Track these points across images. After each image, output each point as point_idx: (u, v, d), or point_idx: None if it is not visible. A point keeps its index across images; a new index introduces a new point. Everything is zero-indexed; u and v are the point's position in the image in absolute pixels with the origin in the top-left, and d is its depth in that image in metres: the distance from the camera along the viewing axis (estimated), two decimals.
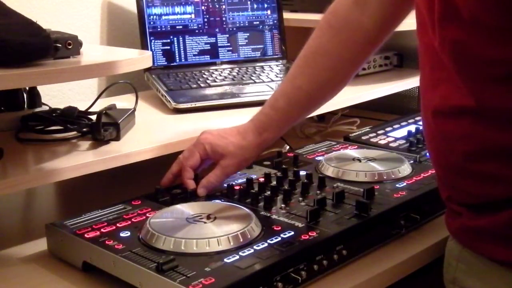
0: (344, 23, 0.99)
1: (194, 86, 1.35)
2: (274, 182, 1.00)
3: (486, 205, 0.78)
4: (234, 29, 1.48)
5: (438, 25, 0.76)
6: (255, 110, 1.05)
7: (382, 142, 1.29)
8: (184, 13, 1.44)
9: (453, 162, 0.80)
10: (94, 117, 1.10)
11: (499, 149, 0.74)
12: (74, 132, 1.08)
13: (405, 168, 1.06)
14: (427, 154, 1.18)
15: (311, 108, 1.06)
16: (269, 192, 0.96)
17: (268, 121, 1.01)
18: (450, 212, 0.86)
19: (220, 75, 1.41)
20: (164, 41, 1.42)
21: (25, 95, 1.18)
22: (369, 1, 0.97)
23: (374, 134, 1.33)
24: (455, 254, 0.85)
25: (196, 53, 1.45)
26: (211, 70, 1.43)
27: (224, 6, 1.48)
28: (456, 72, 0.76)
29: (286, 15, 1.56)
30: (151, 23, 1.41)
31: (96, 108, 1.12)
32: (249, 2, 1.51)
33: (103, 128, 1.04)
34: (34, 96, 1.19)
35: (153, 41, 1.41)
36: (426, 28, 0.80)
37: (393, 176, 1.04)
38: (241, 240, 0.80)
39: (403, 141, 1.28)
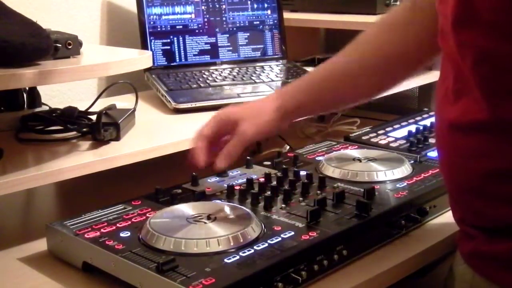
0: (394, 20, 0.99)
1: (194, 86, 1.35)
2: (274, 182, 1.00)
3: (504, 229, 0.73)
4: (234, 29, 1.48)
5: (452, 29, 0.71)
6: None
7: (383, 142, 1.29)
8: (184, 13, 1.44)
9: (470, 181, 0.74)
10: (94, 117, 1.10)
11: None
12: (74, 132, 1.08)
13: (405, 168, 1.06)
14: (428, 154, 1.18)
15: (330, 93, 1.02)
16: (269, 192, 0.96)
17: (290, 87, 1.03)
18: (463, 234, 0.81)
19: (220, 75, 1.41)
20: (164, 41, 1.42)
21: (25, 95, 1.18)
22: (423, 8, 0.92)
23: (374, 134, 1.33)
24: (467, 279, 0.80)
25: (196, 53, 1.45)
26: (211, 70, 1.43)
27: (224, 6, 1.48)
28: (476, 83, 0.70)
29: (286, 15, 1.56)
30: (151, 23, 1.41)
31: (96, 108, 1.12)
32: (249, 2, 1.51)
33: (103, 128, 1.04)
34: (34, 96, 1.19)
35: (153, 41, 1.41)
36: (448, 35, 0.74)
37: (393, 176, 1.03)
38: (241, 240, 0.80)
39: (404, 141, 1.28)
